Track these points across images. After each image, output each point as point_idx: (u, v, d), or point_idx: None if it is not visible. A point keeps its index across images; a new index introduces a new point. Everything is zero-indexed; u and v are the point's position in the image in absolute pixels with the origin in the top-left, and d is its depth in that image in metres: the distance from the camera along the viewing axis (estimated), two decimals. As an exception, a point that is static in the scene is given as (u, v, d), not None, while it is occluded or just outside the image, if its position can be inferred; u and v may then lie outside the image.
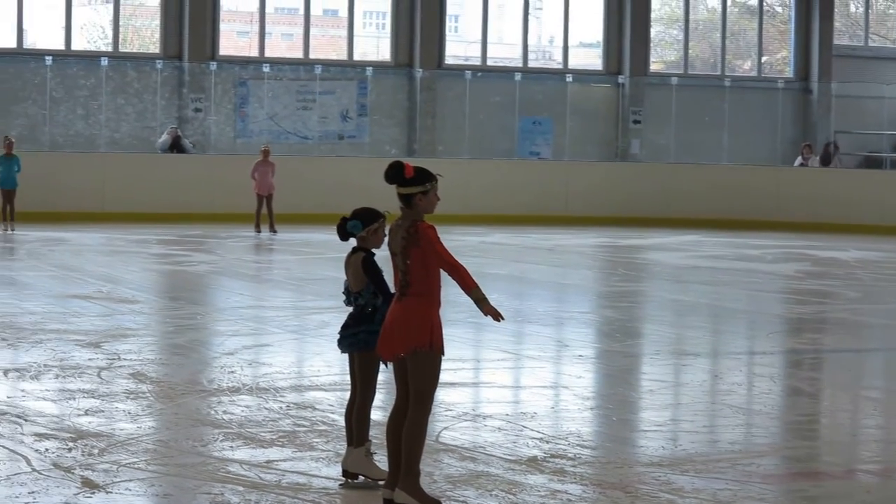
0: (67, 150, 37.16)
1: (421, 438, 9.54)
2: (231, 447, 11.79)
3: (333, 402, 13.37)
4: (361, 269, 10.15)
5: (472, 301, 9.43)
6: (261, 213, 32.69)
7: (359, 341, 10.22)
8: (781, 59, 45.41)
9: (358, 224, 10.03)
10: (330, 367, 15.32)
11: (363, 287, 10.19)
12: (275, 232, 32.36)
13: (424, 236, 9.24)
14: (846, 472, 12.56)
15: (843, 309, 23.52)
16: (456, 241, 32.12)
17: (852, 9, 46.30)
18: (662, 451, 12.37)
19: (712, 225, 37.19)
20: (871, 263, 30.10)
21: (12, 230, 31.21)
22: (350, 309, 10.38)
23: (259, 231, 32.47)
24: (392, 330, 9.46)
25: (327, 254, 25.84)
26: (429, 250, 9.28)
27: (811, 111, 44.21)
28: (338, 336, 10.53)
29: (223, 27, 39.85)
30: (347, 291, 10.35)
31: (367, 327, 10.11)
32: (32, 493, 10.06)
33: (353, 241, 10.09)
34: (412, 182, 9.38)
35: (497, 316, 9.44)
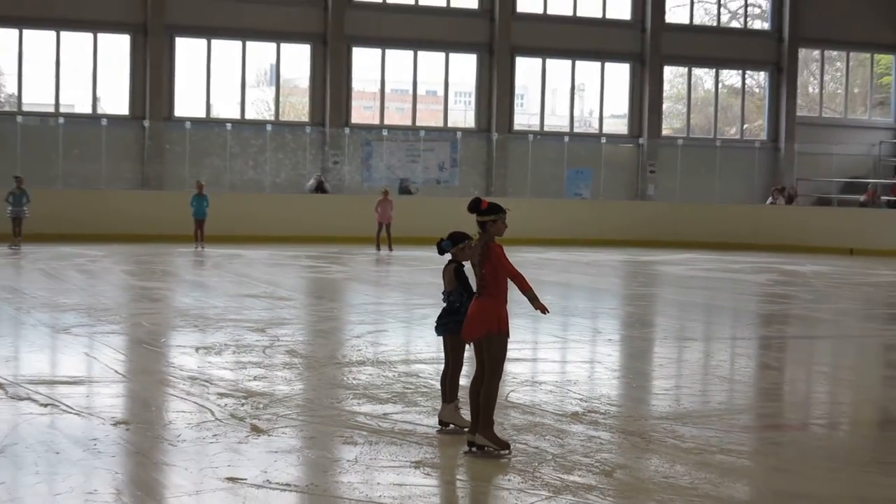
0: (242, 191, 37.35)
1: (494, 398, 9.72)
2: (358, 403, 11.85)
3: (431, 371, 13.39)
4: (453, 275, 10.33)
5: (527, 299, 9.67)
6: (380, 237, 32.74)
7: (449, 328, 10.37)
8: (758, 126, 45.11)
9: (449, 243, 10.20)
10: (429, 346, 15.32)
11: (454, 288, 10.34)
12: (391, 250, 32.38)
13: (494, 253, 9.60)
14: (803, 426, 12.52)
15: (802, 307, 23.39)
16: (521, 256, 32.06)
17: (810, 90, 45.94)
18: (668, 408, 12.39)
19: (707, 246, 37.02)
20: (822, 275, 29.89)
21: (202, 248, 31.37)
22: (444, 304, 10.54)
23: (379, 249, 32.45)
24: (472, 319, 9.75)
25: (429, 266, 25.82)
26: (497, 263, 9.59)
27: (779, 164, 43.93)
28: (435, 324, 10.69)
29: (354, 103, 39.96)
30: (445, 292, 10.50)
31: (456, 317, 10.26)
32: (216, 435, 10.19)
33: (448, 256, 10.26)
34: (486, 212, 9.72)
35: (544, 310, 9.83)
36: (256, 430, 10.50)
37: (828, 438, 12.03)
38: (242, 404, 11.56)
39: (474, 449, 9.76)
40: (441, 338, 10.81)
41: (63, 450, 9.71)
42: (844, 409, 13.96)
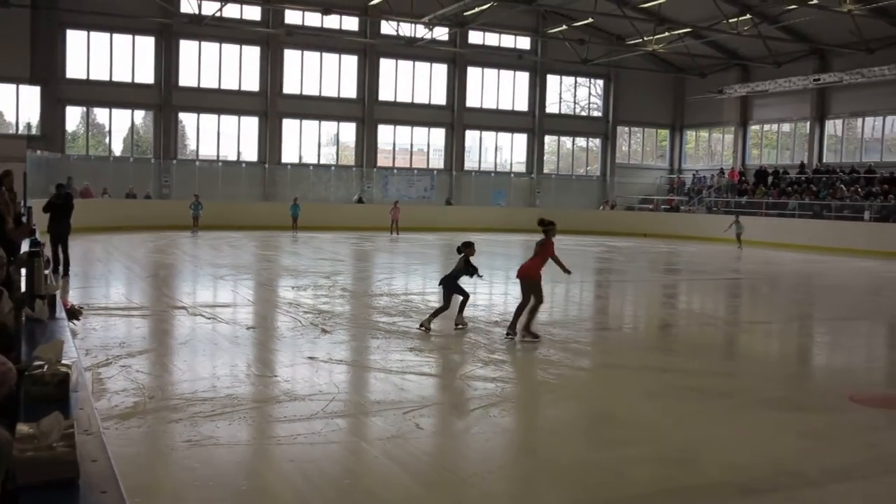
0: (318, 202, 37.08)
1: (521, 311, 10.42)
2: (379, 315, 11.76)
3: (420, 300, 13.31)
4: (463, 263, 10.86)
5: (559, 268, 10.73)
6: (392, 227, 32.62)
7: (446, 284, 10.89)
8: (595, 168, 45.00)
9: (462, 246, 11.00)
10: (418, 286, 15.23)
11: (461, 267, 10.86)
12: (399, 234, 32.23)
13: (548, 243, 10.41)
14: (618, 328, 12.53)
15: (618, 264, 23.43)
16: (467, 237, 31.76)
17: (623, 148, 45.77)
18: (547, 318, 12.29)
19: (568, 233, 36.89)
20: (629, 247, 29.94)
21: (296, 234, 31.07)
22: (450, 273, 11.01)
23: (391, 234, 32.32)
24: (523, 269, 10.43)
25: (420, 244, 25.76)
26: (547, 248, 10.39)
27: (606, 188, 43.95)
28: (439, 281, 11.17)
29: (378, 155, 39.65)
30: (455, 269, 10.95)
31: (454, 280, 10.85)
32: (302, 333, 10.13)
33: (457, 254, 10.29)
34: (547, 224, 10.54)
35: (568, 272, 11.13)
36: (324, 331, 10.41)
37: (633, 334, 12.05)
38: (317, 317, 11.46)
39: (510, 336, 10.19)
40: (441, 287, 11.08)
41: (218, 342, 9.63)
42: (641, 318, 13.98)
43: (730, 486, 5.46)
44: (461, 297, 10.87)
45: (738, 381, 8.67)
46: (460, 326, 10.75)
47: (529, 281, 10.26)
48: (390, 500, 5.05)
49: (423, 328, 10.54)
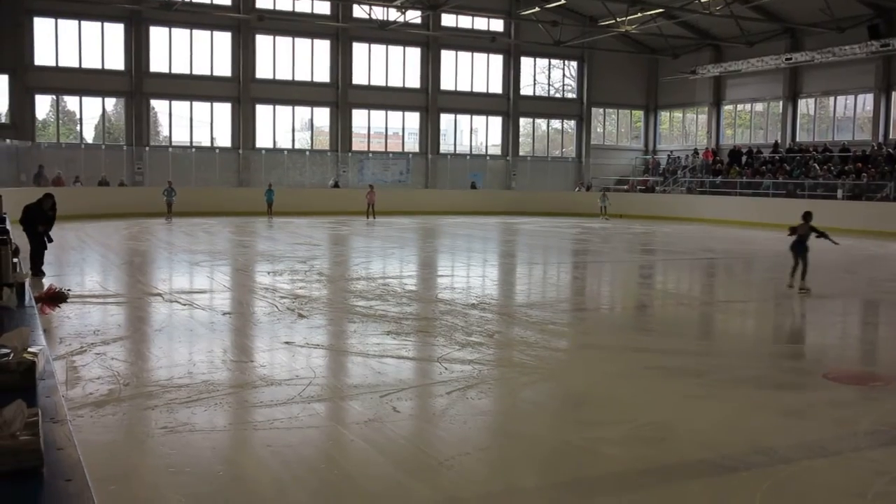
0: (293, 187, 36.92)
1: None
2: (356, 300, 11.72)
3: (396, 283, 13.25)
4: (808, 228, 12.61)
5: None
6: (368, 211, 32.51)
7: (797, 249, 12.79)
8: (570, 150, 45.02)
9: (808, 215, 12.60)
10: (395, 269, 15.14)
11: (805, 232, 12.53)
12: (375, 218, 32.14)
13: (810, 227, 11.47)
14: (595, 309, 12.55)
15: (594, 246, 23.44)
16: (444, 220, 31.80)
17: (598, 129, 45.83)
18: (524, 300, 12.35)
19: (543, 214, 37.02)
20: (605, 229, 29.98)
21: (271, 219, 30.94)
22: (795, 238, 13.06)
23: (367, 218, 32.21)
24: None
25: (396, 227, 25.61)
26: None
27: (582, 170, 44.06)
28: (790, 246, 13.02)
29: (353, 139, 39.54)
30: (802, 234, 12.77)
31: (802, 246, 12.75)
32: (279, 318, 10.07)
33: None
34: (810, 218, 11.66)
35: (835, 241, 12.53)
36: (301, 316, 10.37)
37: (609, 315, 12.09)
38: (293, 302, 11.41)
39: None
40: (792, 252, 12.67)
41: (194, 329, 9.57)
42: (618, 299, 14.02)
43: (706, 464, 5.49)
44: (801, 263, 12.54)
45: (713, 360, 8.73)
46: (804, 290, 12.40)
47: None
48: (368, 484, 5.03)
49: (802, 291, 12.40)
